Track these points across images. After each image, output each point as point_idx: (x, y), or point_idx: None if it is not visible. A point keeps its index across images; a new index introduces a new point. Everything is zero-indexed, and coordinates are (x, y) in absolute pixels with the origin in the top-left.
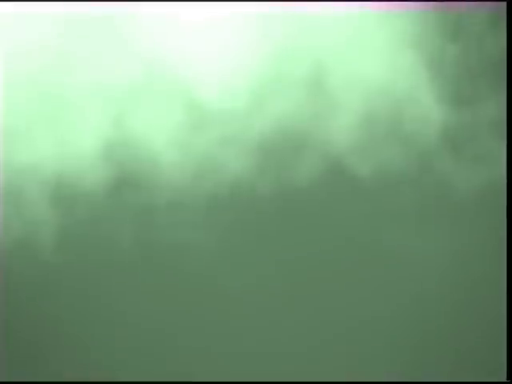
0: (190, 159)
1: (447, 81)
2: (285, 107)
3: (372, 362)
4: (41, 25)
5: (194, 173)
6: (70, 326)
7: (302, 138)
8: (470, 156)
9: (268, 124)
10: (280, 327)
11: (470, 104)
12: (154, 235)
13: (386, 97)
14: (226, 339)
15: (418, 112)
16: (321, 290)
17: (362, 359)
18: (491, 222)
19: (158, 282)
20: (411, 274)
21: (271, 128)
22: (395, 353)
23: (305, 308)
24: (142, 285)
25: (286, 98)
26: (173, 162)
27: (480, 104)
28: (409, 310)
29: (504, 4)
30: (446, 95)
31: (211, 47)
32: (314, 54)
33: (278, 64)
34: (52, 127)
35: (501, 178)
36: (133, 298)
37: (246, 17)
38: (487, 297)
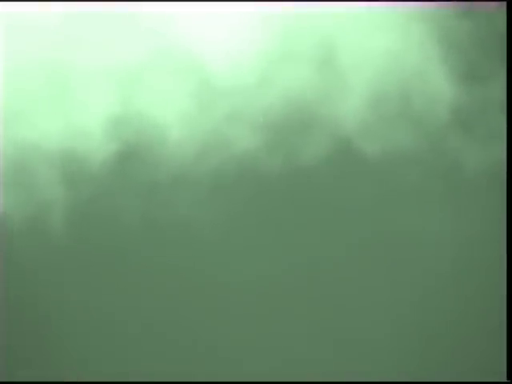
0: (197, 136)
1: (458, 59)
2: (293, 85)
3: (371, 356)
4: (48, 3)
5: (201, 149)
6: (78, 304)
7: (311, 116)
8: (480, 135)
9: (276, 102)
10: (285, 304)
11: (480, 83)
12: (161, 211)
13: (396, 75)
14: (229, 313)
15: (428, 90)
16: (327, 270)
17: (367, 347)
18: (501, 200)
19: (164, 258)
20: (420, 253)
21: (279, 106)
22: (395, 351)
23: (311, 287)
24: (148, 260)
25: (294, 76)
26: (180, 139)
27: (490, 83)
28: (413, 296)
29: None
30: (456, 73)
31: (220, 25)
32: (322, 31)
33: (286, 42)
34: (59, 105)
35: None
36: (138, 274)
37: None
38: (493, 284)
